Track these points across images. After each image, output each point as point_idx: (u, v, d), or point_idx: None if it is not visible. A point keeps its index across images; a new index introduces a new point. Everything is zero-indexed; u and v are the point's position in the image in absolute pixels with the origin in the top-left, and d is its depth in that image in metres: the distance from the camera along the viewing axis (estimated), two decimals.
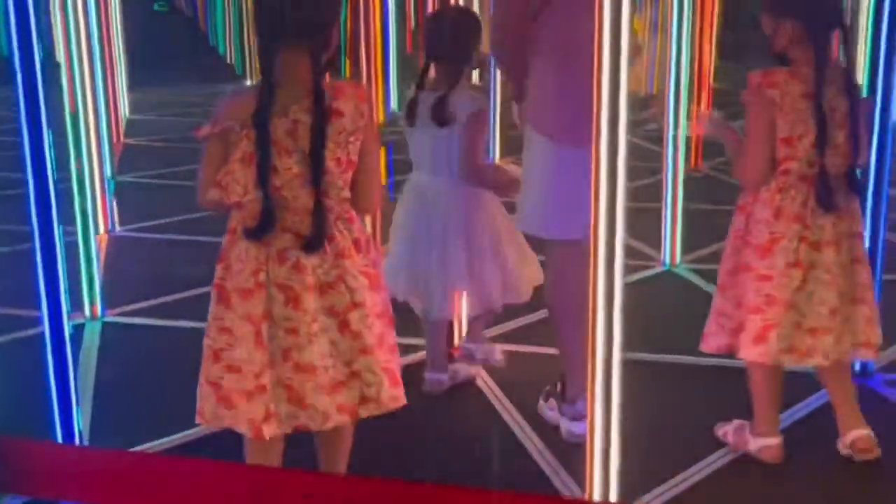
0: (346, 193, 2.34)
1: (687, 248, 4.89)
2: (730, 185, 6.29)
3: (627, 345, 2.33)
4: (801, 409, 3.32)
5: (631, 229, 2.32)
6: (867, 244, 3.32)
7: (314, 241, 2.26)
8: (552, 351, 3.35)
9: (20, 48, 2.45)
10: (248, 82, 11.57)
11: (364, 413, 2.38)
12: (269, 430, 2.30)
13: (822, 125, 2.73)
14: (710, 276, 4.55)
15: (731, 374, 3.33)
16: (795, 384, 3.24)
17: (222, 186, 2.26)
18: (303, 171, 2.25)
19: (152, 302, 4.38)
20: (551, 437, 3.13)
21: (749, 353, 2.91)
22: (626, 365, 2.33)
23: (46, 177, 2.55)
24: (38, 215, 2.57)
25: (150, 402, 3.44)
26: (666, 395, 3.41)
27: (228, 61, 13.91)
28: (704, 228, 5.08)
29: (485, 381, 3.55)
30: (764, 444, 2.99)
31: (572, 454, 2.88)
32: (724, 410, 3.19)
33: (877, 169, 3.38)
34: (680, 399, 3.45)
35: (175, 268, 4.87)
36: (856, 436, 2.95)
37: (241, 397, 2.30)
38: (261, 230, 2.26)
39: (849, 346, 2.92)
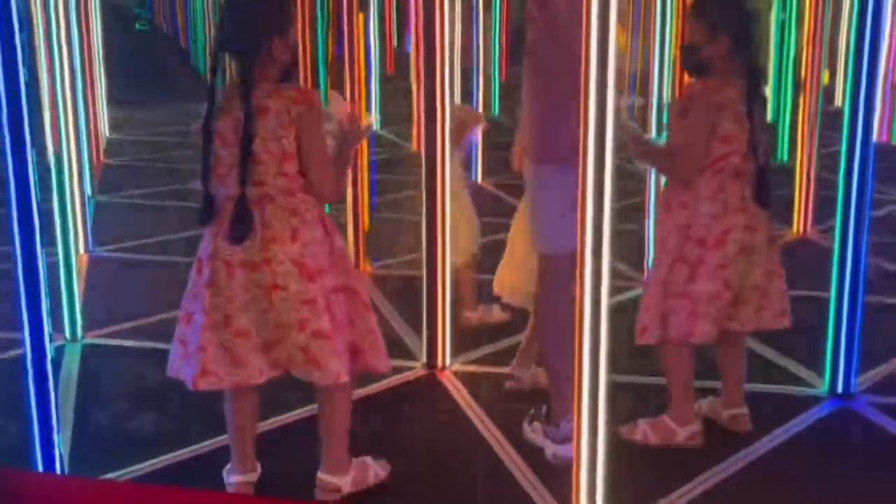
0: (290, 183, 2.63)
1: None
2: None
3: (613, 367, 2.33)
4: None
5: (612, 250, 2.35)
6: (850, 266, 3.39)
7: (233, 227, 2.60)
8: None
9: (4, 70, 2.43)
10: None
11: (295, 372, 2.73)
12: (204, 384, 2.68)
13: (754, 127, 3.07)
14: None
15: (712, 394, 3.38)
16: None
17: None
18: (235, 162, 2.60)
19: (133, 323, 4.33)
20: (536, 459, 3.12)
21: (700, 335, 3.13)
22: (613, 387, 2.34)
23: (30, 198, 2.52)
24: (21, 237, 2.54)
25: (131, 426, 3.40)
26: (651, 416, 3.41)
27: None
28: None
29: (468, 404, 3.54)
30: (692, 430, 3.20)
31: (558, 477, 2.86)
32: (711, 432, 3.22)
33: (859, 191, 3.40)
34: None
35: (156, 289, 4.83)
36: (737, 413, 3.30)
37: (190, 355, 2.70)
38: (204, 214, 2.67)
39: (769, 316, 3.22)
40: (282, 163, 2.60)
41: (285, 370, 2.74)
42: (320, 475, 2.87)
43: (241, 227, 2.59)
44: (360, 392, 3.57)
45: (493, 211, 5.53)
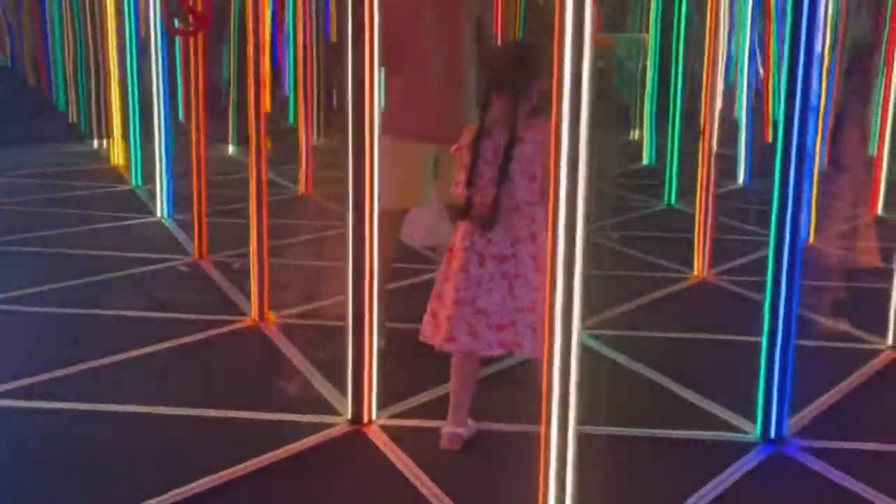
0: (532, 197, 3.31)
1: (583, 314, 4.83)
2: (611, 250, 6.48)
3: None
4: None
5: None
6: (782, 309, 3.38)
7: (487, 222, 3.30)
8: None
9: None
10: (95, 141, 11.06)
11: (521, 351, 3.42)
12: (448, 347, 3.41)
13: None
14: (612, 343, 4.56)
15: (661, 443, 3.32)
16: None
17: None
18: (494, 177, 3.30)
19: (21, 382, 3.95)
20: None
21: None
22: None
23: None
24: None
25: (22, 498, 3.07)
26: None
27: (71, 120, 13.29)
28: (596, 294, 5.07)
29: (401, 460, 3.36)
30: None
31: None
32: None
33: (791, 236, 3.41)
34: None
35: (43, 344, 4.47)
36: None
37: (439, 325, 3.41)
38: (461, 212, 3.36)
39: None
40: (530, 182, 3.30)
41: (510, 349, 3.39)
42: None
43: (490, 226, 3.30)
44: (280, 452, 3.36)
45: None
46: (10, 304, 5.06)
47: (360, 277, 3.56)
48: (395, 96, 4.28)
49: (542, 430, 2.33)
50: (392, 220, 4.19)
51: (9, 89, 16.89)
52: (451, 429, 3.48)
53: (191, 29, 5.75)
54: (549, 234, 2.48)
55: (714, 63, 5.89)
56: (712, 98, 5.95)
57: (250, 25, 4.63)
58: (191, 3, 5.64)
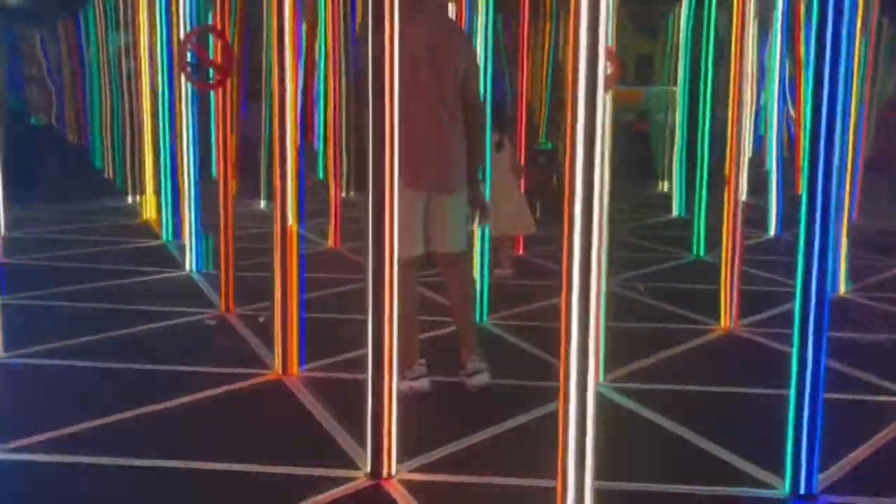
0: None
1: (609, 367, 4.81)
2: (638, 302, 6.44)
3: None
4: None
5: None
6: (810, 363, 3.32)
7: None
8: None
9: None
10: (129, 197, 11.25)
11: None
12: None
13: None
14: (636, 395, 4.51)
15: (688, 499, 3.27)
16: None
17: None
18: None
19: (49, 434, 3.97)
20: None
21: None
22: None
23: None
24: None
25: None
26: None
27: (107, 176, 13.52)
28: (622, 345, 5.04)
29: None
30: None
31: None
32: None
33: (818, 289, 3.37)
34: None
35: (68, 397, 4.49)
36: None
37: None
38: None
39: None
40: None
41: None
42: None
43: None
44: None
45: None
46: (41, 357, 5.11)
47: (379, 330, 3.56)
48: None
49: (559, 485, 2.29)
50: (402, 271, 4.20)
51: (51, 147, 17.26)
52: None
53: (211, 82, 5.84)
54: (564, 287, 2.45)
55: (739, 112, 5.87)
56: (738, 148, 5.92)
57: (276, 82, 4.68)
58: (210, 56, 5.74)
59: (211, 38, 6.36)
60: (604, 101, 2.44)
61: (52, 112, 21.29)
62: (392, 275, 3.54)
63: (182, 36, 6.76)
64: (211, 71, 5.94)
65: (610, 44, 4.45)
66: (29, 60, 24.50)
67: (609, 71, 4.18)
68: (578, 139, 2.31)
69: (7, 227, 8.93)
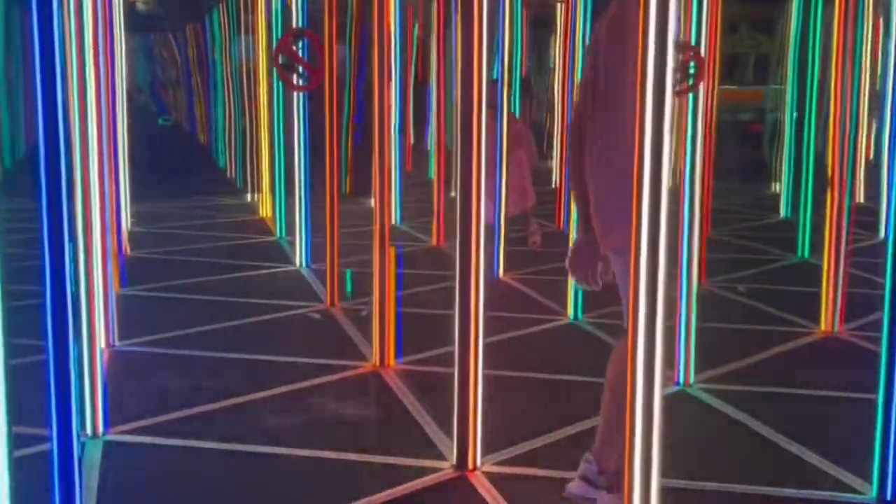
0: None
1: (700, 368, 4.81)
2: (737, 303, 6.38)
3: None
4: None
5: None
6: None
7: None
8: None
9: (45, 161, 2.41)
10: (248, 195, 11.68)
11: None
12: None
13: None
14: (726, 397, 4.50)
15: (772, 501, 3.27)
16: None
17: None
18: None
19: (155, 419, 4.24)
20: None
21: None
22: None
23: (65, 291, 2.48)
24: (54, 330, 2.49)
25: None
26: None
27: (229, 175, 14.04)
28: (715, 347, 5.03)
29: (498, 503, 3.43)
30: None
31: None
32: None
33: None
34: None
35: (180, 384, 4.76)
36: None
37: None
38: None
39: None
40: None
41: None
42: None
43: None
44: (385, 495, 3.48)
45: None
46: (163, 346, 5.43)
47: (465, 325, 3.67)
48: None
49: (626, 490, 2.36)
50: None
51: (177, 146, 18.01)
52: None
53: (302, 84, 6.04)
54: (631, 288, 2.48)
55: (840, 108, 5.75)
56: (841, 147, 5.80)
57: (376, 86, 4.86)
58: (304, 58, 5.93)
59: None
60: (674, 101, 2.46)
61: (181, 112, 22.18)
62: (479, 271, 3.65)
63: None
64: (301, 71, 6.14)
65: (693, 44, 4.42)
66: (160, 63, 25.60)
67: (693, 69, 4.12)
68: (645, 142, 2.36)
69: (132, 223, 9.40)
